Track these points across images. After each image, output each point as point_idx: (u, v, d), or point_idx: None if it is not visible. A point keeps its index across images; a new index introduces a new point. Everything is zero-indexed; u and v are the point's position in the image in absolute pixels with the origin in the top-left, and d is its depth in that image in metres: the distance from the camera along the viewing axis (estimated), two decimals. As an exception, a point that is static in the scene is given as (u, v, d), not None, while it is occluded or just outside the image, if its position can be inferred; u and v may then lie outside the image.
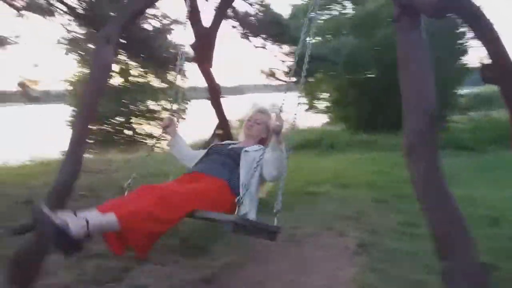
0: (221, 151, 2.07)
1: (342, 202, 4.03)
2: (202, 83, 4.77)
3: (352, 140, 10.49)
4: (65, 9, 5.89)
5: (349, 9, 13.76)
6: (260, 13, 6.89)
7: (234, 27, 6.46)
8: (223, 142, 2.32)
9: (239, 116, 5.37)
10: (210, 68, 4.39)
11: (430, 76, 1.96)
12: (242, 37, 6.73)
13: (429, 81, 1.95)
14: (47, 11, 5.81)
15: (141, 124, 14.76)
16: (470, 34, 10.94)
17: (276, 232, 1.86)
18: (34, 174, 5.51)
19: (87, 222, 1.45)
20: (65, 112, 13.61)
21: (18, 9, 5.68)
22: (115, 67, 12.20)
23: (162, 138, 2.46)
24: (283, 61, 8.62)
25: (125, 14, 2.63)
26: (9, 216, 3.39)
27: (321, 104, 14.39)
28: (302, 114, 12.62)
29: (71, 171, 2.39)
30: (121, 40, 5.33)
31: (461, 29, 11.32)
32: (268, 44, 7.47)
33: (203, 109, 6.53)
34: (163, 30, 6.98)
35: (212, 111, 5.04)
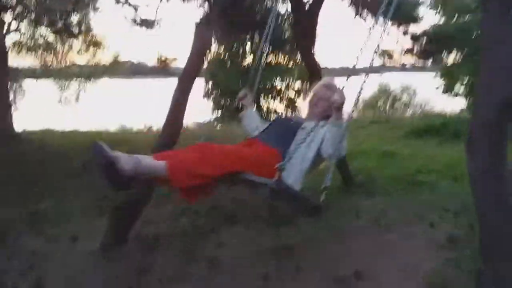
0: (283, 123, 2.10)
1: (445, 194, 3.72)
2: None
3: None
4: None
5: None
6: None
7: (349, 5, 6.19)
8: (290, 116, 2.33)
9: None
10: (312, 48, 4.29)
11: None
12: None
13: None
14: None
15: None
16: None
17: (317, 208, 1.78)
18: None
19: (139, 162, 1.62)
20: (200, 86, 14.88)
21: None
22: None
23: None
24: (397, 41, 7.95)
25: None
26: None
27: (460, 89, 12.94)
28: (437, 97, 11.56)
29: (172, 132, 2.75)
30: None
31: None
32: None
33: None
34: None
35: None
